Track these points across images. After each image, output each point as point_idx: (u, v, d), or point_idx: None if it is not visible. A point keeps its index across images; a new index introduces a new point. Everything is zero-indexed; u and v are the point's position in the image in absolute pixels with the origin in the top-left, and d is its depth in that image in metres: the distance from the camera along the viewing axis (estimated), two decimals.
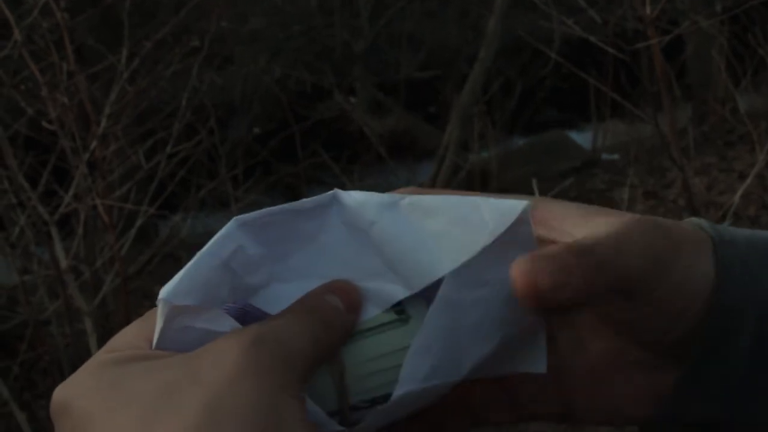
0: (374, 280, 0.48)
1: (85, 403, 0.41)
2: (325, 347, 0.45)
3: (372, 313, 0.47)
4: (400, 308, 0.48)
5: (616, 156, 6.48)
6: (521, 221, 0.46)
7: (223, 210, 4.98)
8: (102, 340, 2.47)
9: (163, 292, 0.44)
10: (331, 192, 0.49)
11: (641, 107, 2.73)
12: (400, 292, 0.48)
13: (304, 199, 0.49)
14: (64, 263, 2.40)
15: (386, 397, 0.46)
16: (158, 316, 0.44)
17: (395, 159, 5.33)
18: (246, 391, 0.40)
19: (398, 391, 0.45)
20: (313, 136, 5.42)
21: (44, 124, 2.44)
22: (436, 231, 0.47)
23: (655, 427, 0.50)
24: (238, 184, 4.58)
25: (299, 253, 0.48)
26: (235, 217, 0.47)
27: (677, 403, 0.49)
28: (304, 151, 5.27)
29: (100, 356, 0.44)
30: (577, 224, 0.48)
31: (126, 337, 0.45)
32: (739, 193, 2.94)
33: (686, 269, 0.47)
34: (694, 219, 0.51)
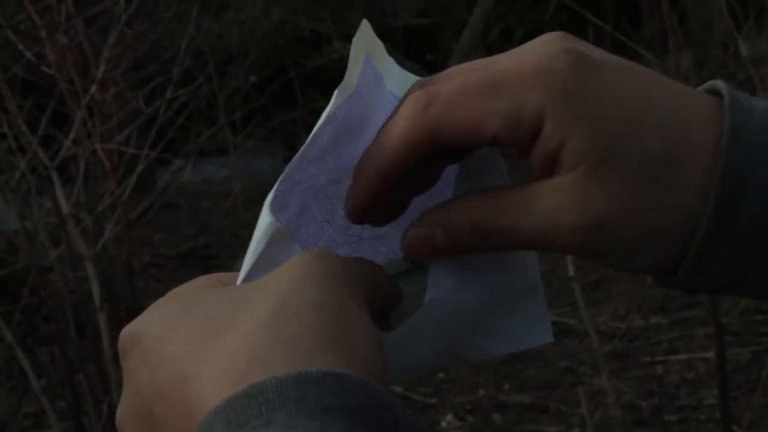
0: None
1: (155, 329, 0.42)
2: (380, 289, 0.45)
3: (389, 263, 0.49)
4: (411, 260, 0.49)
5: None
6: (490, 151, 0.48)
7: (222, 157, 4.97)
8: (104, 287, 2.48)
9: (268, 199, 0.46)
10: None
11: (642, 51, 2.71)
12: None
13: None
14: (65, 209, 2.39)
15: None
16: (262, 217, 0.46)
17: None
18: (312, 294, 0.41)
19: (428, 296, 0.47)
20: (312, 83, 5.38)
21: (43, 68, 2.42)
22: None
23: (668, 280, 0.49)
24: (237, 130, 4.56)
25: None
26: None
27: (687, 275, 0.47)
28: (302, 98, 5.24)
29: (167, 295, 0.45)
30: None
31: (186, 284, 0.46)
32: None
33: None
34: (716, 84, 0.47)
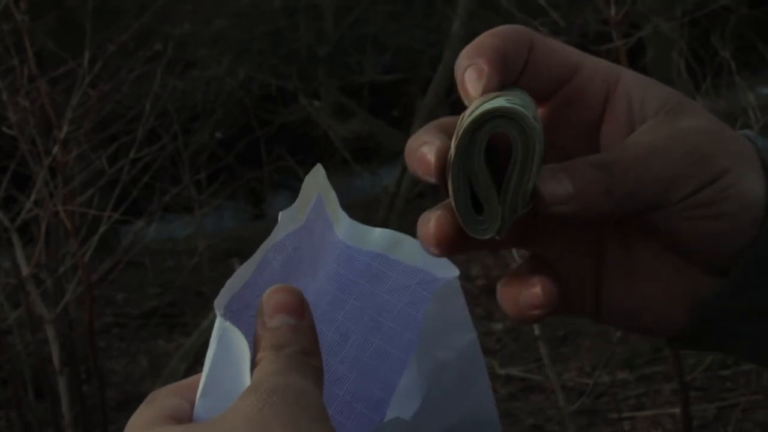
0: None
1: None
2: (307, 353, 0.46)
3: None
4: None
5: None
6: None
7: (187, 215, 4.94)
8: (64, 349, 2.44)
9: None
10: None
11: None
12: None
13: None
14: (25, 270, 2.36)
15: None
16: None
17: (360, 163, 5.33)
18: None
19: (388, 416, 0.49)
20: (278, 140, 5.40)
21: (4, 129, 2.40)
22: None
23: (680, 342, 0.51)
24: (202, 189, 4.55)
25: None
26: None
27: (713, 311, 0.49)
28: (268, 156, 5.25)
29: (139, 418, 0.46)
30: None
31: (140, 418, 0.47)
32: None
33: (730, 186, 0.48)
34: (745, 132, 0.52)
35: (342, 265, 0.52)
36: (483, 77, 0.47)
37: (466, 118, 0.45)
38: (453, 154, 0.45)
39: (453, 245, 0.47)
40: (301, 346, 0.45)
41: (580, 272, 0.51)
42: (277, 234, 0.48)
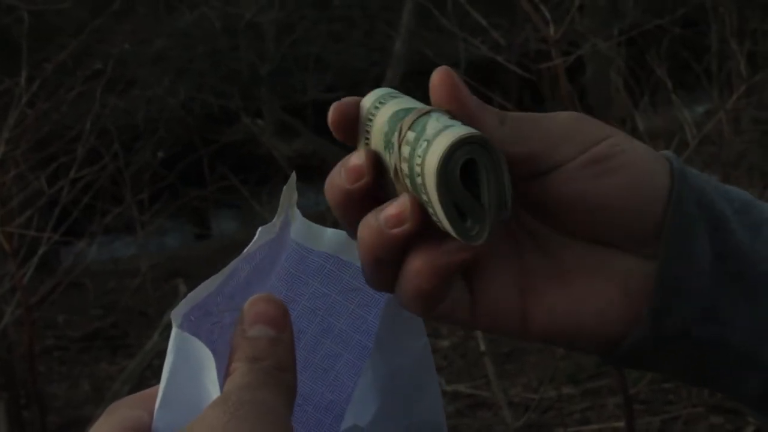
0: None
1: None
2: (282, 368, 0.45)
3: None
4: None
5: None
6: None
7: (129, 235, 4.88)
8: (3, 373, 2.39)
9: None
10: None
11: None
12: None
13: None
14: None
15: None
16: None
17: (304, 181, 5.29)
18: None
19: (343, 426, 0.49)
20: (221, 159, 5.37)
21: None
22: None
23: (612, 357, 0.51)
24: (144, 208, 4.50)
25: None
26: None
27: (652, 319, 0.49)
28: (211, 175, 5.22)
29: (98, 430, 0.45)
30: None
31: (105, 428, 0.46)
32: None
33: (618, 144, 0.49)
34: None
35: (293, 265, 0.51)
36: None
37: (434, 138, 0.46)
38: (434, 171, 0.44)
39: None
40: (277, 360, 0.45)
41: (505, 286, 0.50)
42: (251, 247, 0.48)
